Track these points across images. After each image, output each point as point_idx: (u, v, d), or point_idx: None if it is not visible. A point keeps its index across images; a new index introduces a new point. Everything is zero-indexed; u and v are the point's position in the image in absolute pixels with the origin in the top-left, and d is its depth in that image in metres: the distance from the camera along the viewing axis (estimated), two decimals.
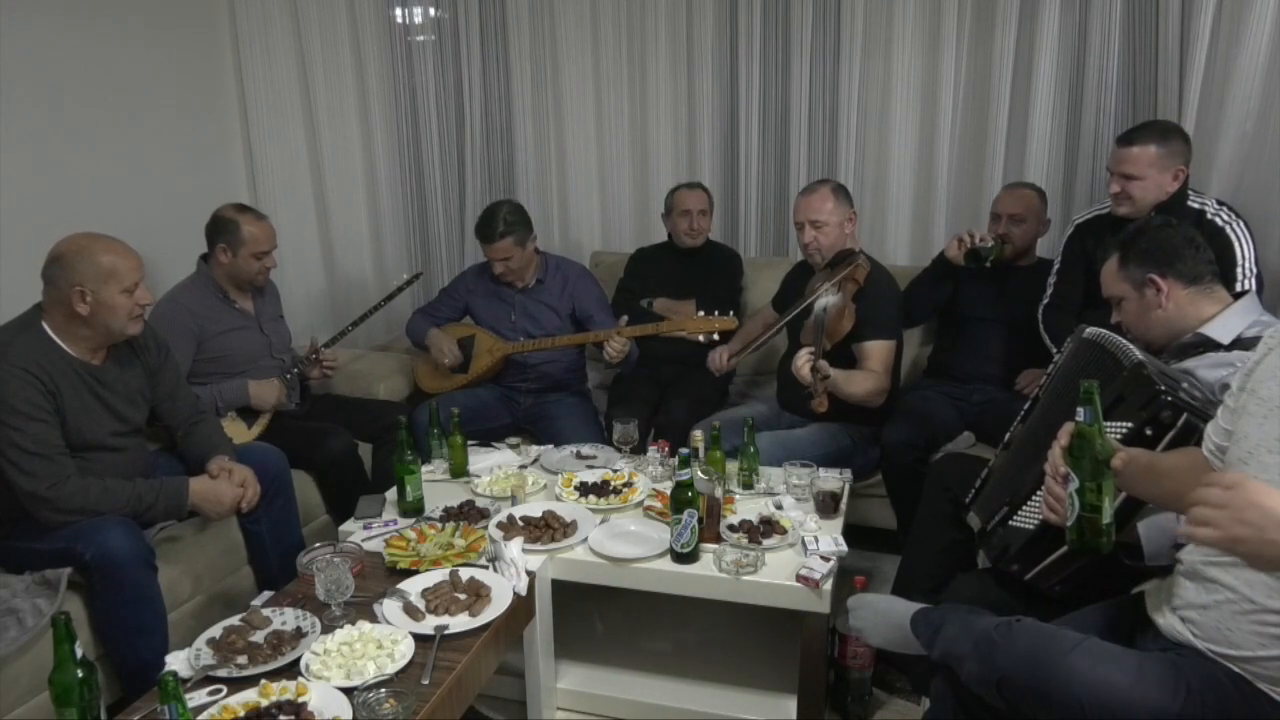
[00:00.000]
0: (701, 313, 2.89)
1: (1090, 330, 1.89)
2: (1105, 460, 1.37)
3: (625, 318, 2.94)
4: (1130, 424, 1.64)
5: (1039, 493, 1.76)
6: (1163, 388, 1.57)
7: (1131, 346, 1.73)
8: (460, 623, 1.77)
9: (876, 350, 2.60)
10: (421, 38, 3.73)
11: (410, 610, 1.80)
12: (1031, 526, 1.79)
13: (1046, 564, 1.72)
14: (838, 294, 2.60)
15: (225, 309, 2.78)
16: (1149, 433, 1.59)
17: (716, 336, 2.85)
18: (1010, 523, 1.86)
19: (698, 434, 2.41)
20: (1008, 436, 2.06)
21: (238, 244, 2.70)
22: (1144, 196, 2.38)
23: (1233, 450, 1.34)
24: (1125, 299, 1.88)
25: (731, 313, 2.87)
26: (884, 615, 1.82)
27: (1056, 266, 2.72)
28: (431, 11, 3.71)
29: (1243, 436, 1.33)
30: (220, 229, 2.72)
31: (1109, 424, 1.70)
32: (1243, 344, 1.75)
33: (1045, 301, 2.72)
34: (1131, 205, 2.40)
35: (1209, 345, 1.78)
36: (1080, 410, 1.38)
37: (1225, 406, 1.41)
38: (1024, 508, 1.84)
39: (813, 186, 2.77)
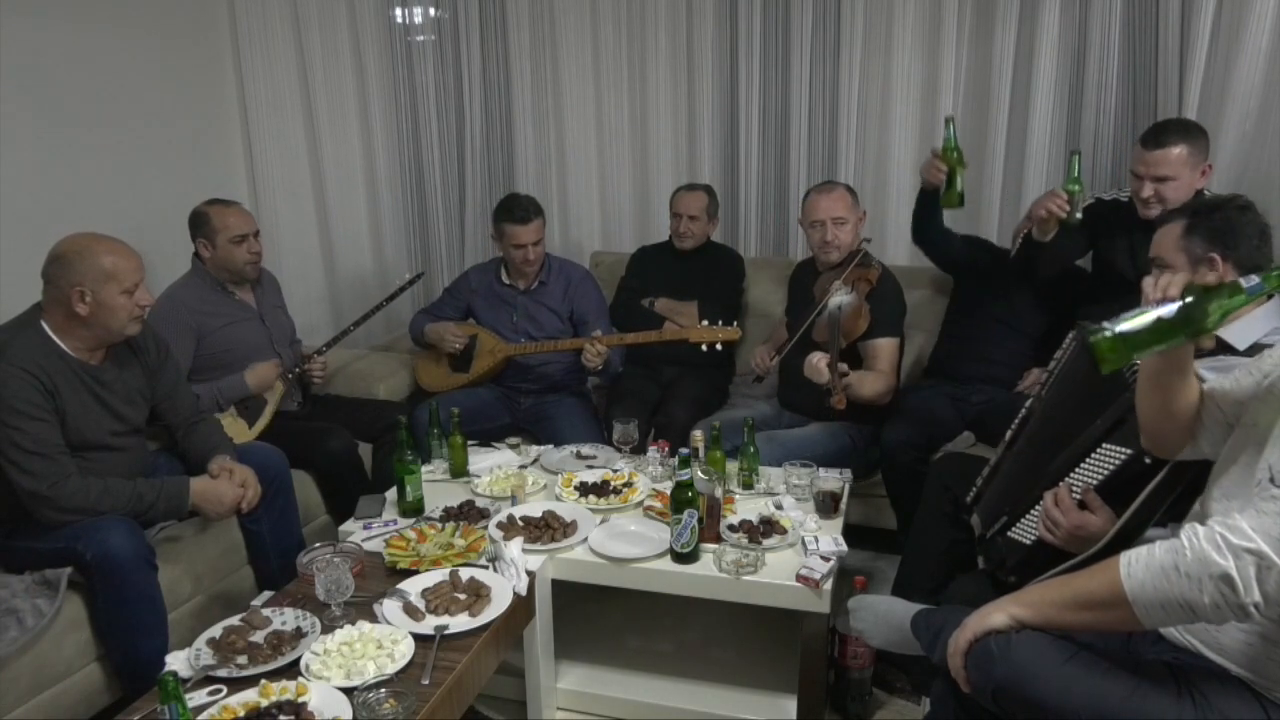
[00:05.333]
0: (705, 322, 2.89)
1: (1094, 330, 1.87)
2: (1204, 326, 1.29)
3: (598, 332, 2.94)
4: (1130, 450, 1.62)
5: (1037, 508, 1.75)
6: None
7: None
8: (460, 623, 1.77)
9: (885, 349, 2.62)
10: (421, 38, 3.73)
11: (410, 610, 1.80)
12: (1029, 542, 1.79)
13: (1041, 580, 1.71)
14: (851, 293, 2.61)
15: (225, 301, 2.78)
16: (1149, 461, 1.57)
17: (720, 346, 2.86)
18: (1009, 534, 1.86)
19: (698, 434, 2.41)
20: (1009, 435, 2.05)
21: (212, 233, 2.72)
22: (1176, 198, 2.32)
23: (1242, 435, 1.36)
24: (1175, 269, 1.76)
25: (735, 324, 2.87)
26: (885, 617, 1.82)
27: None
28: (431, 11, 3.71)
29: (1251, 424, 1.35)
30: (195, 226, 2.75)
31: (1108, 446, 1.69)
32: (1257, 350, 1.73)
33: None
34: (1163, 208, 2.33)
35: (1222, 349, 1.76)
36: (1253, 279, 1.27)
37: (1250, 375, 1.42)
38: (1022, 521, 1.83)
39: (830, 186, 2.79)
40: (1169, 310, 1.30)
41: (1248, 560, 1.16)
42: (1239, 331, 1.74)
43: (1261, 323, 1.75)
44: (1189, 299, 1.30)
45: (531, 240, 3.01)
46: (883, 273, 2.73)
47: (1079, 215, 2.41)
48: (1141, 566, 1.23)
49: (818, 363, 2.46)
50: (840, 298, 2.60)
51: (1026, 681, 1.34)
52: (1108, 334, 1.31)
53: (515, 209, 3.01)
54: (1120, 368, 1.33)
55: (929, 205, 2.72)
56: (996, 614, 1.39)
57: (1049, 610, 1.35)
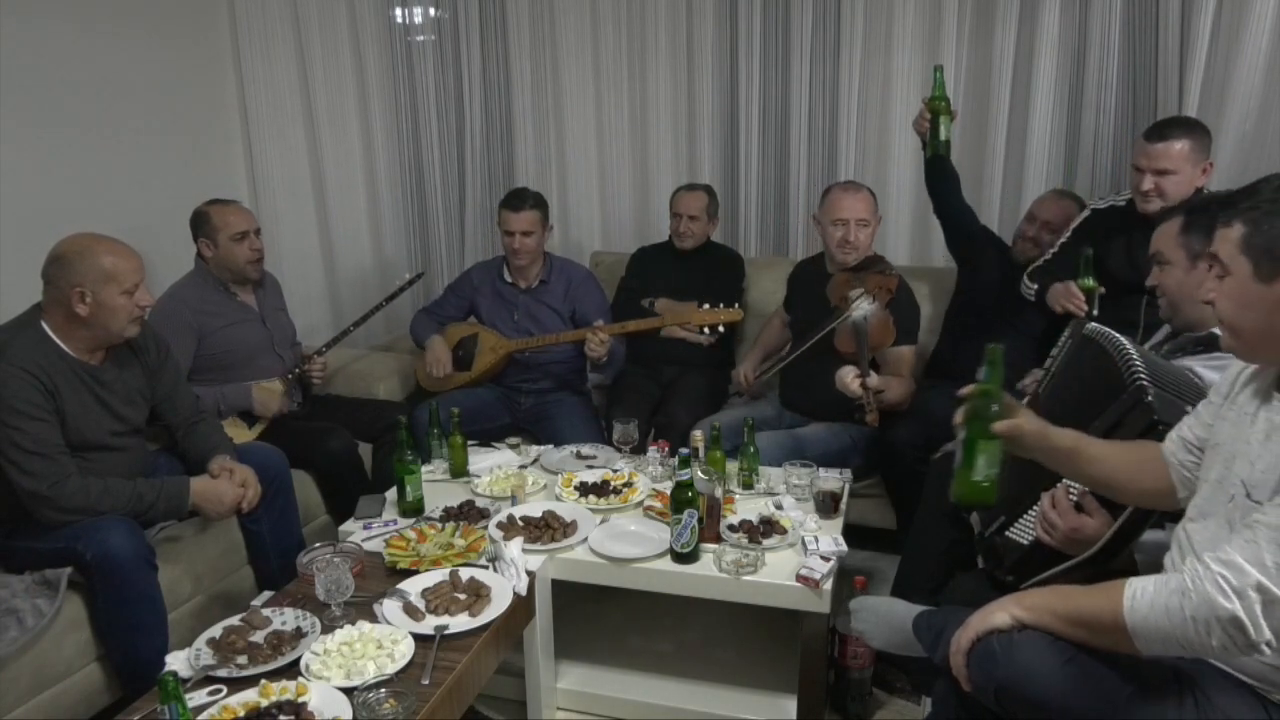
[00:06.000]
0: (706, 305, 2.91)
1: (1090, 327, 1.88)
2: (989, 421, 1.43)
3: (600, 322, 2.98)
4: None
5: (1036, 508, 1.76)
6: (1161, 422, 1.55)
7: (1130, 349, 1.71)
8: (460, 623, 1.77)
9: (905, 355, 2.65)
10: (421, 38, 3.73)
11: (410, 610, 1.80)
12: (1026, 542, 1.79)
13: (1038, 580, 1.72)
14: (873, 304, 2.61)
15: (227, 301, 2.79)
16: None
17: (722, 328, 2.87)
18: (1007, 533, 1.86)
19: (698, 434, 2.41)
20: None
21: (213, 232, 2.73)
22: (1176, 193, 2.32)
23: (1210, 455, 1.40)
24: (1174, 265, 1.82)
25: (736, 305, 2.88)
26: (886, 618, 1.82)
27: (1063, 240, 2.67)
28: (431, 11, 3.71)
29: (1217, 443, 1.39)
30: (196, 226, 2.77)
31: None
32: None
33: (1037, 264, 2.68)
34: (1163, 202, 2.33)
35: (1216, 345, 1.76)
36: (981, 370, 1.43)
37: (1210, 403, 1.46)
38: (1020, 521, 1.83)
39: (854, 185, 2.80)
40: (962, 436, 1.46)
41: (1253, 599, 1.16)
42: None
43: None
44: (966, 424, 1.45)
45: (521, 229, 3.03)
46: (899, 280, 2.73)
47: (1095, 312, 2.41)
48: (1146, 603, 1.23)
49: (850, 381, 2.45)
50: (865, 308, 2.59)
51: (1028, 681, 1.34)
52: (955, 480, 1.47)
53: (512, 196, 3.08)
54: (992, 492, 1.45)
55: (936, 167, 2.73)
56: (999, 613, 1.39)
57: (1048, 618, 1.35)
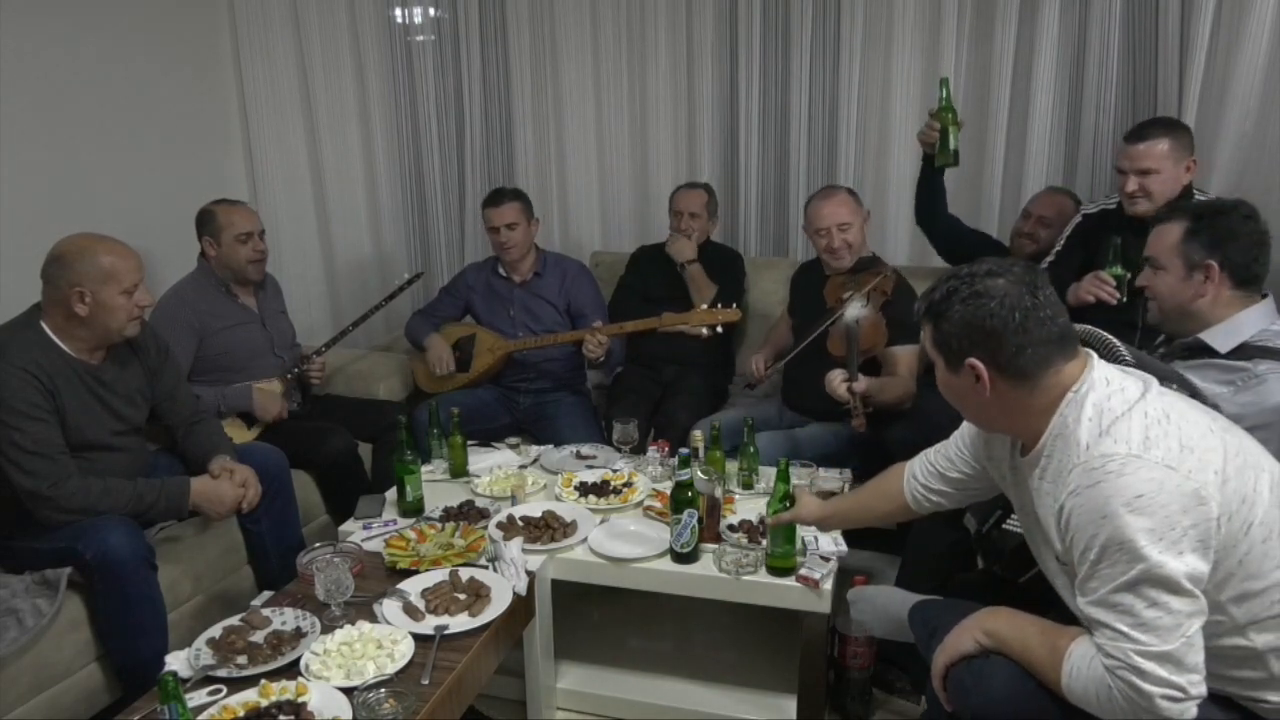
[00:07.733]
0: (705, 306, 2.91)
1: (1078, 328, 1.88)
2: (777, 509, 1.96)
3: (598, 323, 2.99)
4: None
5: None
6: None
7: (1119, 344, 1.71)
8: (460, 623, 1.77)
9: (904, 356, 2.63)
10: (421, 38, 3.73)
11: (410, 610, 1.81)
12: (1022, 531, 1.79)
13: (1036, 572, 1.72)
14: (866, 306, 2.61)
15: (228, 303, 2.79)
16: None
17: (720, 329, 2.87)
18: (1004, 526, 1.86)
19: (698, 434, 2.41)
20: None
21: (217, 231, 2.74)
22: (1162, 191, 2.33)
23: (1020, 515, 1.53)
24: (1168, 271, 1.81)
25: (735, 305, 2.89)
26: (884, 607, 1.82)
27: (1057, 248, 2.68)
28: (431, 12, 3.71)
29: (1020, 508, 1.51)
30: (202, 224, 2.77)
31: None
32: (1245, 351, 1.73)
33: None
34: (1149, 202, 2.34)
35: (1203, 350, 1.76)
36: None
37: (974, 445, 1.67)
38: (1015, 513, 1.84)
39: (830, 191, 2.79)
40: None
41: (1152, 669, 1.19)
42: (1222, 335, 1.74)
43: (1250, 325, 1.74)
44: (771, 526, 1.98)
45: (505, 222, 3.05)
46: (897, 280, 2.72)
47: (1125, 299, 2.35)
48: (1080, 686, 1.27)
49: (837, 385, 2.45)
50: (856, 311, 2.59)
51: (1002, 707, 1.36)
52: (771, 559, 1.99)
53: (490, 195, 3.12)
54: (787, 560, 1.96)
55: (930, 178, 2.72)
56: (965, 638, 1.43)
57: (1004, 648, 1.40)
